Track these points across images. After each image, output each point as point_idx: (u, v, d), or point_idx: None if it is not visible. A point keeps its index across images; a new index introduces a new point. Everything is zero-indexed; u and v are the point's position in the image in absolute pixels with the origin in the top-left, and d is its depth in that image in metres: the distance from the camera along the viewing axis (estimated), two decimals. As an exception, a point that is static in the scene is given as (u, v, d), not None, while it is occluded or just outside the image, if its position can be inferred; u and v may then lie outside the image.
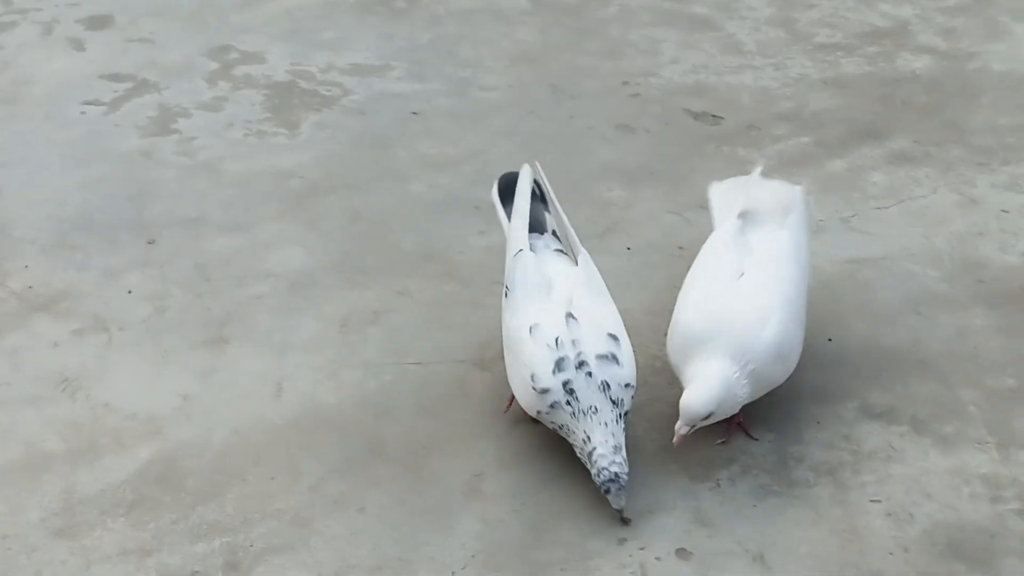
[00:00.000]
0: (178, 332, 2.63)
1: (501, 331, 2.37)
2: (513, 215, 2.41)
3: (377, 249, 2.93)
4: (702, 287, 2.33)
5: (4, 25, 3.85)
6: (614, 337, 2.19)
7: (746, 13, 3.95)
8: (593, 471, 2.12)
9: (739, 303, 2.25)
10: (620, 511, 2.15)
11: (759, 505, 2.22)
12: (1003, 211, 3.01)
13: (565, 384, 2.13)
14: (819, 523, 2.17)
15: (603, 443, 2.10)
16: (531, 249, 2.32)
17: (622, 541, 2.15)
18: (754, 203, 2.46)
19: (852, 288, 2.77)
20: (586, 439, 2.12)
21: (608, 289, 2.37)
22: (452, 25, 3.93)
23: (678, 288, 2.65)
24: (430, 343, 2.61)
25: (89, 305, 2.71)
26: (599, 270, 2.40)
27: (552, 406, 2.15)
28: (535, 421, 2.27)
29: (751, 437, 2.35)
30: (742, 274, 2.31)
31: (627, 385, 2.18)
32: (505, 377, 2.40)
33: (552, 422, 2.19)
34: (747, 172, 3.19)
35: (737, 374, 2.18)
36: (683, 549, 2.13)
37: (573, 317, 2.21)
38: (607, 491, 2.12)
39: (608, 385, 2.14)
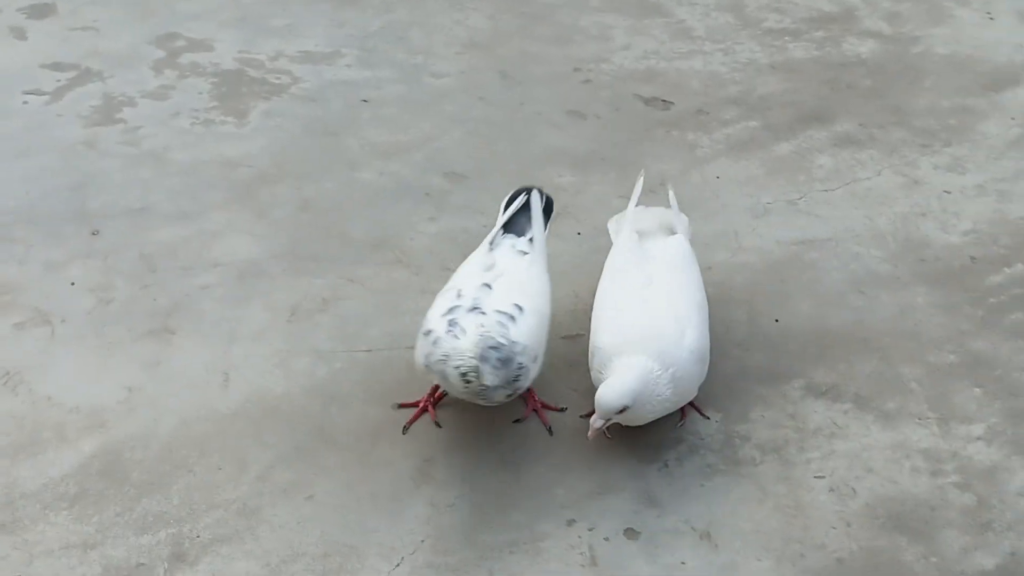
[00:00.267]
0: (123, 323, 2.60)
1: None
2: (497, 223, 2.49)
3: (327, 237, 2.91)
4: (613, 305, 2.34)
5: (-58, 14, 3.76)
6: (519, 307, 2.20)
7: (696, -1, 3.98)
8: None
9: (655, 313, 2.26)
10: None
11: (706, 484, 2.24)
12: (945, 192, 3.07)
13: (450, 321, 2.15)
14: (765, 500, 2.20)
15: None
16: (494, 244, 2.41)
17: (571, 522, 2.16)
18: (641, 225, 2.56)
19: (798, 269, 2.80)
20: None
21: (557, 273, 2.46)
22: (403, 11, 3.91)
23: None
24: (380, 330, 2.61)
25: (31, 298, 2.66)
26: (550, 254, 2.46)
27: (435, 343, 2.14)
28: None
29: (704, 416, 2.37)
30: (650, 280, 2.35)
31: (513, 342, 2.11)
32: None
33: (437, 370, 2.15)
34: (696, 156, 3.24)
35: (659, 373, 2.17)
36: (631, 529, 2.15)
37: (488, 287, 2.24)
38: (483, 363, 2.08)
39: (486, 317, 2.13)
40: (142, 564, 2.07)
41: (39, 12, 3.83)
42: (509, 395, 2.16)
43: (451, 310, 2.18)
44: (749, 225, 2.94)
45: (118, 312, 2.63)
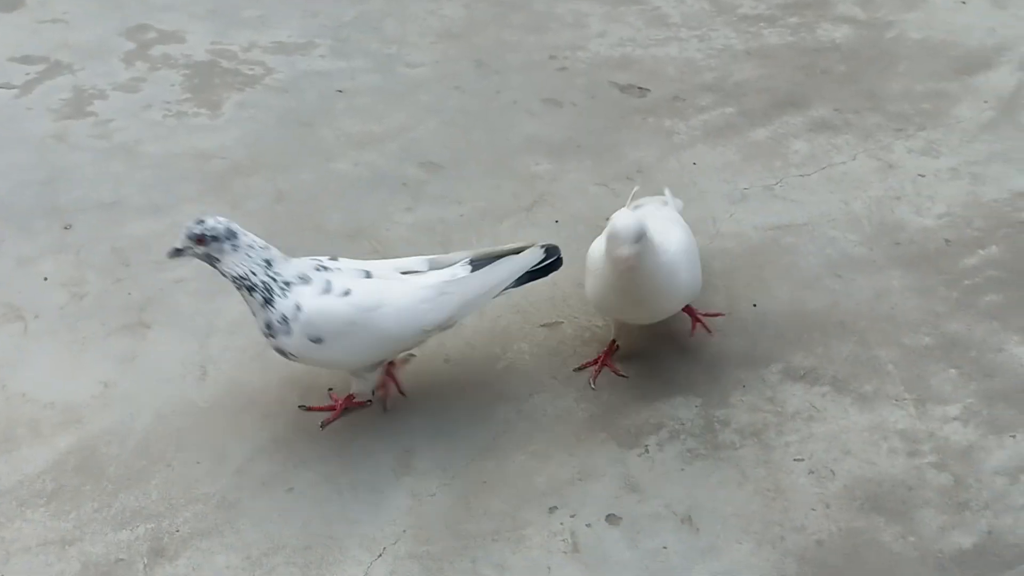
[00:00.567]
0: (97, 318, 2.57)
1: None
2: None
3: (302, 229, 2.88)
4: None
5: (-94, 7, 3.70)
6: (367, 272, 2.18)
7: (670, -15, 3.97)
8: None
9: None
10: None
11: (687, 469, 2.25)
12: (919, 175, 3.08)
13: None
14: (745, 483, 2.21)
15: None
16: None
17: (553, 510, 2.16)
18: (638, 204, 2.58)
19: (775, 254, 2.81)
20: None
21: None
22: (377, 1, 3.89)
23: None
24: (358, 321, 2.59)
25: (2, 293, 2.63)
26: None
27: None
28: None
29: (716, 315, 2.51)
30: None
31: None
32: (435, 349, 2.41)
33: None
34: (673, 143, 3.24)
35: (661, 222, 2.25)
36: (613, 515, 2.15)
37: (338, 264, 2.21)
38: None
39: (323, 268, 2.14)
40: (121, 560, 2.05)
41: (7, 5, 3.77)
42: None
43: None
44: (726, 211, 2.95)
45: (92, 307, 2.60)
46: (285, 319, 2.10)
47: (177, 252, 2.12)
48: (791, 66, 3.59)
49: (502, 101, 3.42)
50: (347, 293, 2.12)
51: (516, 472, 2.23)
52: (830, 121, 3.32)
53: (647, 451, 2.28)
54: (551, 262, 2.34)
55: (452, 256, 2.31)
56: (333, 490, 2.19)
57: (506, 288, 2.29)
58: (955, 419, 2.35)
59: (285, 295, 2.09)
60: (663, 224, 2.35)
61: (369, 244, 2.83)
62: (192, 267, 2.72)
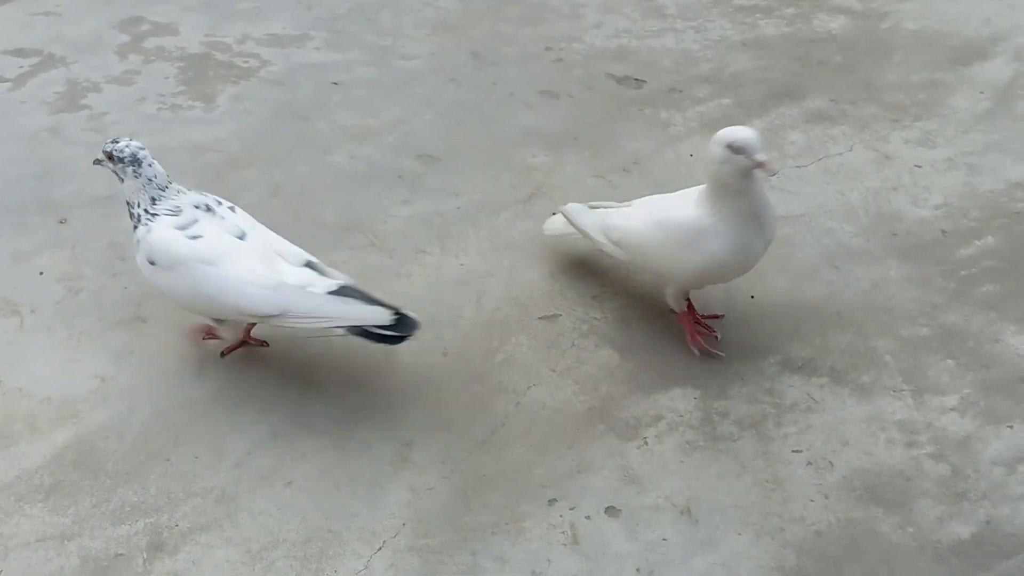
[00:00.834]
0: (93, 313, 2.56)
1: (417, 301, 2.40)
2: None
3: (299, 222, 2.87)
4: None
5: (-103, 0, 3.67)
6: (243, 234, 2.28)
7: (666, -24, 3.96)
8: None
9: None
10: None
11: (686, 460, 2.25)
12: (916, 166, 3.08)
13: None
14: (743, 475, 2.21)
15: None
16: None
17: (552, 502, 2.17)
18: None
19: (773, 245, 2.80)
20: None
21: (533, 254, 2.57)
22: (371, -7, 3.87)
23: (603, 253, 2.66)
24: (355, 314, 2.58)
25: (-2, 288, 2.62)
26: (525, 235, 2.58)
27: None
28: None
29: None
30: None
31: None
32: (434, 342, 2.41)
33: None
34: (670, 134, 3.23)
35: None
36: (612, 507, 2.16)
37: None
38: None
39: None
40: (121, 555, 2.05)
41: (-2, -3, 3.75)
42: None
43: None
44: (723, 202, 2.94)
45: (88, 301, 2.59)
46: (138, 241, 2.29)
47: (97, 161, 2.34)
48: (787, 57, 3.59)
49: (498, 93, 3.41)
50: (195, 238, 2.23)
51: (515, 465, 2.23)
52: (826, 112, 3.32)
53: (646, 443, 2.29)
54: (393, 335, 2.17)
55: (335, 273, 2.26)
56: (332, 484, 2.19)
57: (338, 328, 2.18)
58: (952, 410, 2.35)
59: (148, 225, 2.26)
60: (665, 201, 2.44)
61: (365, 237, 2.82)
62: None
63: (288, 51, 3.57)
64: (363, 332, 2.19)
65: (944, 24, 3.72)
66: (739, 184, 2.24)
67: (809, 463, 2.24)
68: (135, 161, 2.24)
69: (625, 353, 2.48)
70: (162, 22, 3.67)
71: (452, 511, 2.15)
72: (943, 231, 2.85)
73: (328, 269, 2.28)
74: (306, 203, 2.95)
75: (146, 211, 2.25)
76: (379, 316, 2.16)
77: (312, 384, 2.40)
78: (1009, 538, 2.09)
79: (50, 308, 2.57)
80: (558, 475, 2.21)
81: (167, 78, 3.41)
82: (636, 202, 2.52)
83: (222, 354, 2.42)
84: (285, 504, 2.15)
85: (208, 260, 2.19)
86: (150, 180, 2.24)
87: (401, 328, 2.18)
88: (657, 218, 2.38)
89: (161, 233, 2.22)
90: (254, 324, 2.40)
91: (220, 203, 2.31)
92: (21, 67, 3.42)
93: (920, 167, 3.09)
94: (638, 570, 2.04)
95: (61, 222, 2.83)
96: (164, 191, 2.26)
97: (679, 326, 2.51)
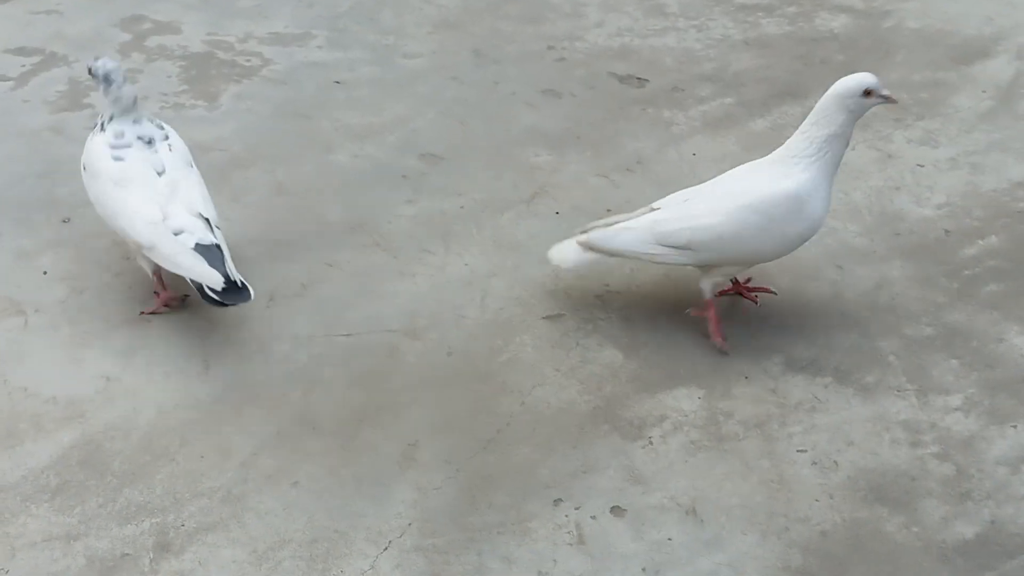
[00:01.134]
0: (98, 313, 2.56)
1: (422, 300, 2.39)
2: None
3: (303, 221, 2.88)
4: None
5: (-102, -2, 3.66)
6: (189, 165, 2.58)
7: (668, -25, 3.96)
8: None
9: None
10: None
11: (690, 460, 2.25)
12: (918, 165, 3.09)
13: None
14: (749, 475, 2.22)
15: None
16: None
17: (557, 502, 2.17)
18: None
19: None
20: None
21: (536, 254, 2.55)
22: (372, -9, 3.87)
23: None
24: (359, 314, 2.59)
25: (2, 288, 2.61)
26: (528, 234, 2.60)
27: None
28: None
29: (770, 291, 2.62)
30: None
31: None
32: (438, 342, 2.41)
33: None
34: (672, 133, 3.24)
35: None
36: (618, 507, 2.16)
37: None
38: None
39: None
40: (127, 555, 2.05)
41: (-1, -5, 3.74)
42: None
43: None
44: (726, 202, 2.94)
45: (92, 300, 2.59)
46: (85, 143, 2.59)
47: (88, 71, 2.57)
48: (789, 56, 3.59)
49: (501, 92, 3.41)
50: (118, 160, 2.49)
51: (520, 465, 2.24)
52: (829, 111, 3.31)
53: (651, 443, 2.29)
54: (220, 299, 2.34)
55: (219, 235, 2.44)
56: (338, 484, 2.19)
57: (190, 280, 2.38)
58: (957, 409, 2.36)
59: (93, 134, 2.56)
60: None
61: (370, 237, 2.83)
62: (192, 260, 2.72)
63: (290, 50, 3.56)
64: (200, 289, 2.37)
65: (946, 23, 3.73)
66: (850, 130, 2.37)
67: (814, 463, 2.24)
68: (107, 80, 2.51)
69: (629, 353, 2.48)
70: (163, 20, 3.67)
71: (458, 511, 2.15)
72: (946, 231, 2.86)
73: (217, 230, 2.45)
74: (310, 202, 2.95)
75: (103, 124, 2.53)
76: (213, 279, 2.35)
77: (317, 384, 2.40)
78: (1013, 538, 2.10)
79: (54, 307, 2.57)
80: (563, 475, 2.22)
81: (169, 77, 3.41)
82: (669, 201, 2.45)
83: (141, 312, 2.54)
84: (291, 504, 2.15)
85: (117, 181, 2.47)
86: (116, 100, 2.51)
87: (226, 296, 2.35)
88: (743, 203, 2.33)
89: (95, 144, 2.53)
90: (159, 270, 2.52)
91: (167, 138, 2.56)
92: (23, 66, 3.42)
93: (923, 166, 3.09)
94: (644, 570, 2.04)
95: (64, 221, 2.83)
96: (127, 114, 2.52)
97: (686, 325, 2.52)
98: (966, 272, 2.72)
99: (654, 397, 2.38)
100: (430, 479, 2.21)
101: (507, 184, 3.02)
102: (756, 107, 3.34)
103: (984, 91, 3.39)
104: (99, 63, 2.52)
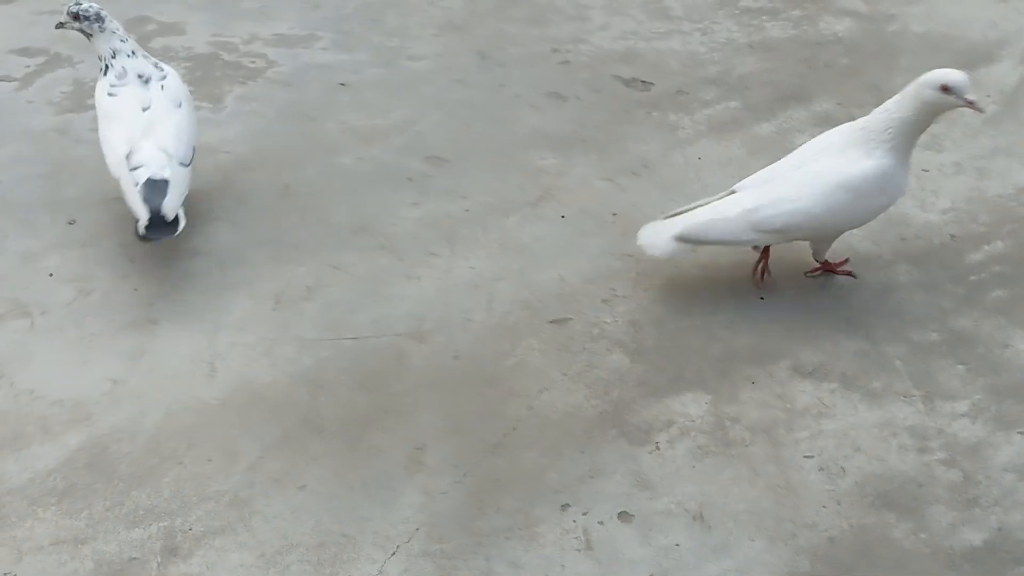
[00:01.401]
0: (104, 315, 2.55)
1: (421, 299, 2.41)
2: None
3: (308, 223, 2.87)
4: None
5: (-98, -2, 3.65)
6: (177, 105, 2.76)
7: (672, -22, 3.96)
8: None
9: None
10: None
11: (698, 466, 2.25)
12: (923, 170, 3.09)
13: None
14: (756, 480, 2.22)
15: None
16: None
17: (565, 507, 2.17)
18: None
19: (782, 249, 2.81)
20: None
21: (542, 257, 2.62)
22: (377, -7, 3.86)
23: (614, 255, 2.66)
24: (365, 317, 2.59)
25: (8, 289, 2.61)
26: (534, 237, 2.61)
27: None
28: None
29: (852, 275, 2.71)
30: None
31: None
32: (445, 345, 2.41)
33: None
34: (678, 137, 3.23)
35: None
36: (625, 512, 2.16)
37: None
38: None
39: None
40: (135, 558, 2.05)
41: (4, -5, 3.73)
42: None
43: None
44: (732, 206, 2.94)
45: (99, 303, 2.59)
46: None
47: (60, 25, 2.73)
48: (794, 59, 3.59)
49: (506, 95, 3.41)
50: (112, 96, 2.69)
51: (528, 469, 2.24)
52: (833, 115, 3.32)
53: (658, 448, 2.29)
54: (143, 234, 2.53)
55: (176, 173, 2.60)
56: (345, 487, 2.19)
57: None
58: (963, 415, 2.36)
59: (99, 77, 2.74)
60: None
61: (376, 239, 2.82)
62: (198, 262, 2.73)
63: (295, 51, 3.56)
64: (151, 228, 2.53)
65: (950, 27, 3.73)
66: (925, 121, 2.48)
67: (821, 469, 2.24)
68: (99, 18, 2.67)
69: (636, 357, 2.49)
70: (168, 21, 3.66)
71: (466, 515, 2.15)
72: (952, 236, 2.86)
73: (181, 167, 2.61)
74: (315, 204, 2.94)
75: (108, 65, 2.71)
76: (141, 214, 2.53)
77: (323, 387, 2.40)
78: (1021, 545, 2.10)
79: (60, 309, 2.56)
80: (571, 480, 2.22)
81: (174, 78, 3.40)
82: (748, 183, 2.60)
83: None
84: (298, 507, 2.15)
85: (106, 115, 2.69)
86: (114, 32, 2.69)
87: (151, 231, 2.52)
88: (831, 183, 2.49)
89: (99, 86, 2.74)
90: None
91: (164, 78, 2.74)
92: (27, 66, 3.41)
93: (928, 171, 3.09)
94: None
95: (70, 223, 2.83)
96: (125, 43, 2.72)
97: (693, 329, 2.52)
98: (972, 277, 2.72)
99: (661, 402, 2.38)
100: (437, 483, 2.20)
101: (512, 187, 3.02)
102: (761, 111, 3.34)
103: (988, 96, 3.39)
104: (86, 5, 2.65)
